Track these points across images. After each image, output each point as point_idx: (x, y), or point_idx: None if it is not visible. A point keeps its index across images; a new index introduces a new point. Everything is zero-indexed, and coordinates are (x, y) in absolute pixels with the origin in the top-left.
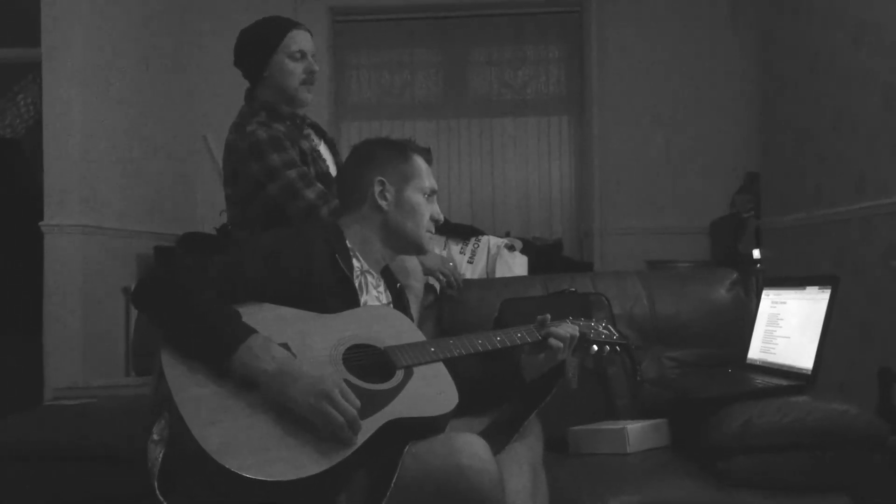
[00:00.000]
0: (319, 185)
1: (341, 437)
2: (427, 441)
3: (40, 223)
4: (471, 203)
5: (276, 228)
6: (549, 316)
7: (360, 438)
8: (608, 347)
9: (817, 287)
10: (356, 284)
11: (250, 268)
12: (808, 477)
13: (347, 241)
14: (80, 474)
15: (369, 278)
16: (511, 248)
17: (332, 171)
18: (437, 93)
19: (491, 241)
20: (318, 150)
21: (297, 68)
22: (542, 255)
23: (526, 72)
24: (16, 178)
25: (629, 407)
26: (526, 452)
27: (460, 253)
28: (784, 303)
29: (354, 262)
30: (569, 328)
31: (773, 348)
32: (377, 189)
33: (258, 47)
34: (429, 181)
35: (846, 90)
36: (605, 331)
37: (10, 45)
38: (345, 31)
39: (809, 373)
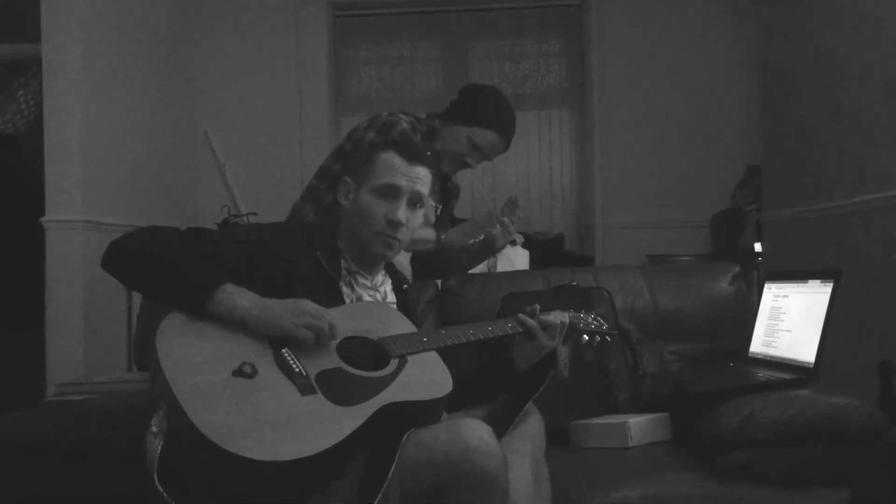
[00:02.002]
0: None
1: (323, 340)
2: (430, 428)
3: (41, 219)
4: (472, 198)
5: (265, 223)
6: (538, 306)
7: (356, 422)
8: (598, 337)
9: (819, 280)
10: (341, 286)
11: (229, 253)
12: (809, 471)
13: (339, 242)
14: (82, 470)
15: (360, 280)
16: (513, 242)
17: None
18: (437, 87)
19: None
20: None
21: (464, 152)
22: (544, 250)
23: (526, 66)
24: (16, 174)
25: (630, 401)
26: (528, 446)
27: None
28: (786, 296)
29: (343, 262)
30: (558, 315)
31: (775, 342)
32: (343, 189)
33: (473, 113)
34: (386, 178)
35: (847, 83)
36: (594, 321)
37: (11, 41)
38: (345, 25)
39: (811, 366)
